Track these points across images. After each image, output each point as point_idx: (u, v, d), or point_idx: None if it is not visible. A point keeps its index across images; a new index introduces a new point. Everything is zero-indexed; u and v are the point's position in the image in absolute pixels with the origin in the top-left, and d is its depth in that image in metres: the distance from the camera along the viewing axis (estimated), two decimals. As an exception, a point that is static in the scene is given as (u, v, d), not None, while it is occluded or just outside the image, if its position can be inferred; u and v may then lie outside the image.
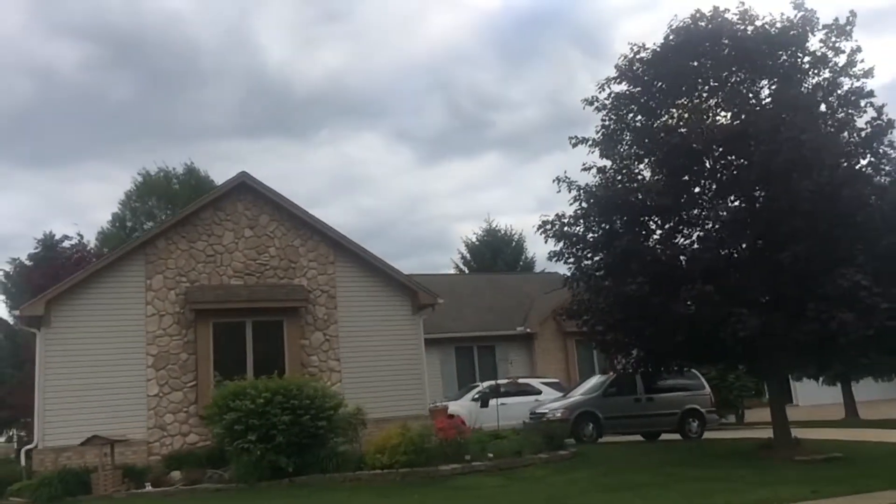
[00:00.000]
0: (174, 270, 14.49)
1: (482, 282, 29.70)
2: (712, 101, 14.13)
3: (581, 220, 14.19)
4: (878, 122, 13.69)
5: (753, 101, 13.74)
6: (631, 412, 17.70)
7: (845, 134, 13.61)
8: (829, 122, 13.56)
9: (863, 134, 13.62)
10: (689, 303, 12.38)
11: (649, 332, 12.96)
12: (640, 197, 13.89)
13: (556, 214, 14.35)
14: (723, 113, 13.91)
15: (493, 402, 17.54)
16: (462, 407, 19.01)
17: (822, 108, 13.90)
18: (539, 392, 20.02)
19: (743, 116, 13.47)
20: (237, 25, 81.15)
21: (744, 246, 13.05)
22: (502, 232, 44.96)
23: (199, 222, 14.89)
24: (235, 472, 11.59)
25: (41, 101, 67.83)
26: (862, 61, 13.68)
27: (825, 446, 14.75)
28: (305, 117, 79.23)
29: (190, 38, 73.70)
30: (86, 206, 67.61)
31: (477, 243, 44.80)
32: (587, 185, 14.43)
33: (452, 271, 43.14)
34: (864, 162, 13.47)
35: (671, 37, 14.30)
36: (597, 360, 23.85)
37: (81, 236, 35.24)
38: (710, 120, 13.82)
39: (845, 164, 12.71)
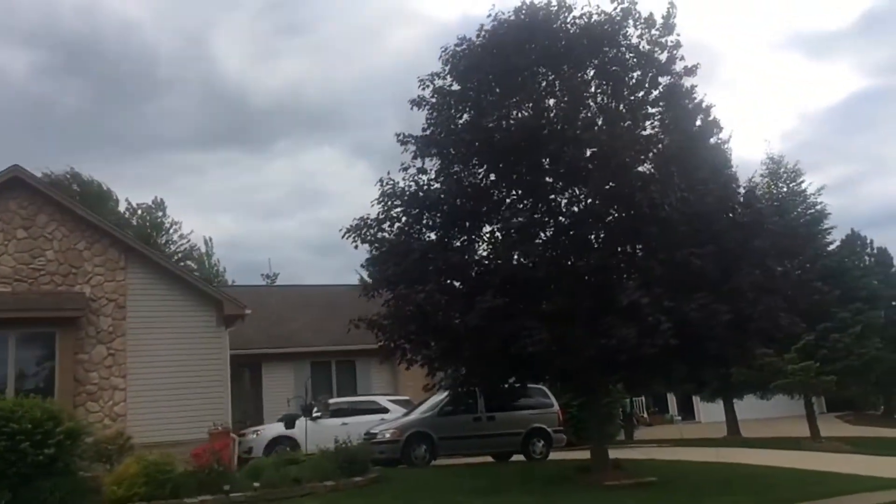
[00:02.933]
0: (-75, 276, 12.87)
1: (351, 293, 28.32)
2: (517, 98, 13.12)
3: (385, 224, 13.05)
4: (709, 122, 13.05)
5: (560, 96, 12.78)
6: (469, 432, 16.52)
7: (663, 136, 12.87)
8: (642, 123, 12.80)
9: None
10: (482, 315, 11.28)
11: (439, 346, 11.83)
12: (449, 200, 12.89)
13: (362, 217, 13.21)
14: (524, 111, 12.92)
15: (302, 421, 16.17)
16: (297, 427, 17.63)
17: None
18: (386, 410, 18.75)
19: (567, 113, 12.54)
20: (195, 35, 78.60)
21: (541, 254, 12.00)
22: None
23: (-39, 222, 13.29)
24: (-64, 508, 9.99)
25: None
26: (682, 58, 12.98)
27: (649, 468, 13.88)
28: (264, 129, 77.26)
29: (146, 47, 70.80)
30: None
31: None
32: (405, 187, 13.40)
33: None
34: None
35: (486, 30, 13.35)
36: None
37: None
38: (516, 117, 12.81)
39: (648, 168, 11.85)
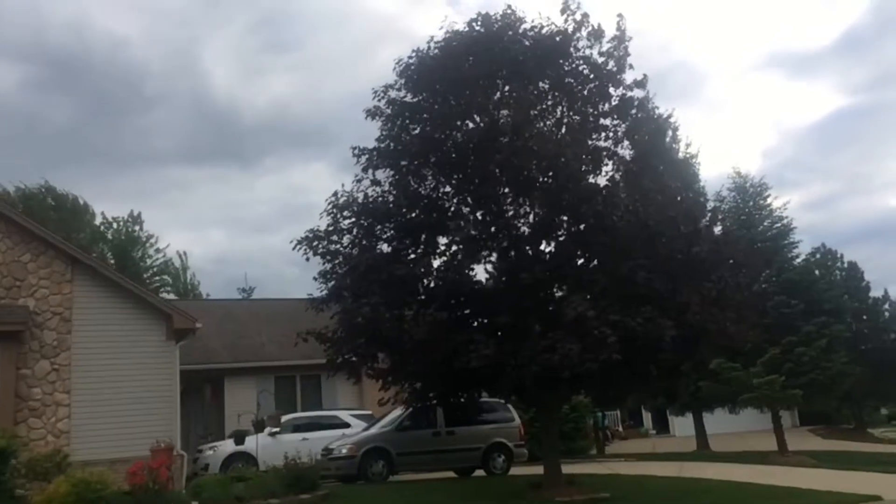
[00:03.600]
0: None
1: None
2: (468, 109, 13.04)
3: (335, 235, 12.89)
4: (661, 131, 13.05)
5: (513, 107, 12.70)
6: (428, 447, 16.27)
7: (614, 146, 12.86)
8: (596, 135, 12.78)
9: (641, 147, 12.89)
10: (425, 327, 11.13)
11: (387, 360, 11.66)
12: (402, 211, 12.79)
13: (311, 229, 13.05)
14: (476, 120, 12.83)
15: (253, 437, 15.89)
16: (254, 443, 17.32)
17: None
18: (347, 425, 18.47)
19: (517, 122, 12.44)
20: (183, 51, 77.98)
21: (497, 267, 11.88)
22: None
23: None
24: None
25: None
26: (631, 67, 12.97)
27: (606, 484, 13.70)
28: (253, 145, 76.79)
29: (135, 63, 70.05)
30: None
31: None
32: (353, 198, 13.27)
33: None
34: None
35: (438, 42, 13.28)
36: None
37: None
38: (467, 128, 12.72)
39: (594, 179, 11.79)
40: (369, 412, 19.44)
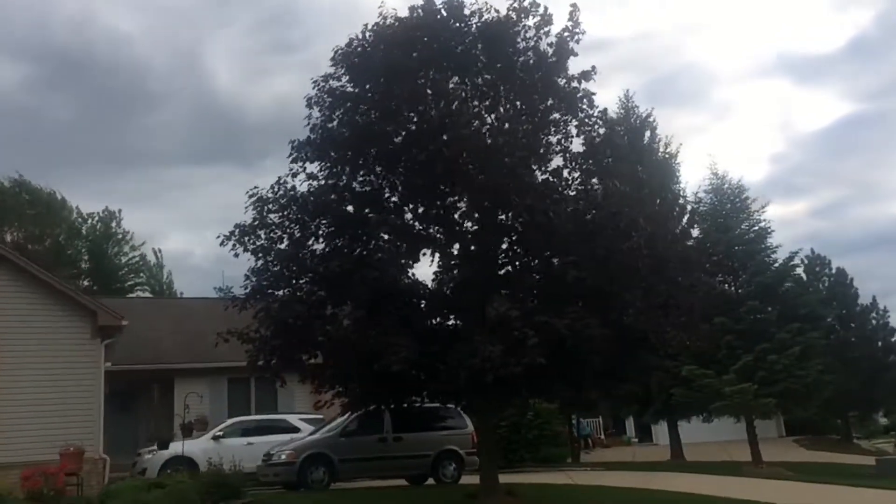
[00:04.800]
0: None
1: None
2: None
3: (262, 231, 12.19)
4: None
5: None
6: (373, 454, 15.49)
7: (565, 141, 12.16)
8: (546, 130, 12.09)
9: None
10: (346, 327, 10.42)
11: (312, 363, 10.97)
12: (337, 205, 12.11)
13: (238, 224, 12.35)
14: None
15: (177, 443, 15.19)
16: (196, 447, 16.60)
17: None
18: (296, 429, 17.71)
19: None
20: (187, 50, 77.68)
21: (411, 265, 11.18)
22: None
23: None
24: None
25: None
26: (575, 53, 12.25)
27: (552, 495, 13.06)
28: (255, 145, 76.57)
29: (138, 61, 69.79)
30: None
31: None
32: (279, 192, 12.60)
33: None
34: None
35: (372, 30, 12.58)
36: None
37: None
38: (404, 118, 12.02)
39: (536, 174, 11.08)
40: (321, 416, 18.68)
